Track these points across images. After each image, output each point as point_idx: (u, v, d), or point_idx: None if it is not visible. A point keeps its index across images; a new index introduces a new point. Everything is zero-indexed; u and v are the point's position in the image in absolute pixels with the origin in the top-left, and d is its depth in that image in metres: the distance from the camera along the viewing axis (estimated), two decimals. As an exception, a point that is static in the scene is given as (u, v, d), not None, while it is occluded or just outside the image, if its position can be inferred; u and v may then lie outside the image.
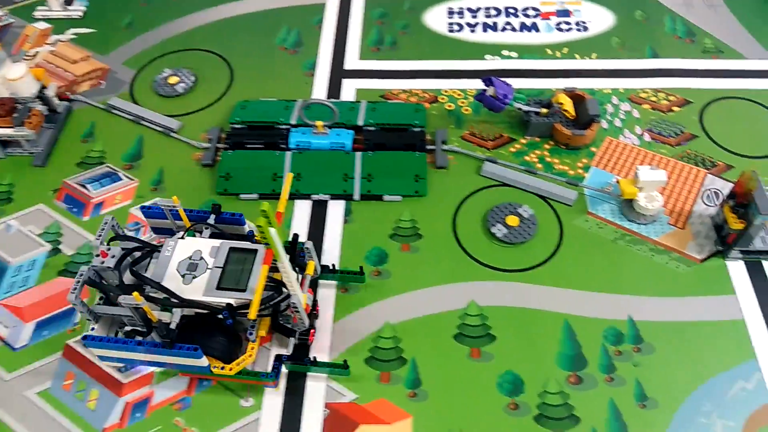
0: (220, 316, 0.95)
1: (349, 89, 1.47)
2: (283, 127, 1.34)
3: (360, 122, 1.34)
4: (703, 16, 1.61)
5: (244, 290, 0.94)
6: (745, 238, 1.12)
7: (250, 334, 0.97)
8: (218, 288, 0.95)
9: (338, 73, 1.50)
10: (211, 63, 1.54)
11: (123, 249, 1.00)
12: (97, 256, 0.98)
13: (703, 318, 1.10)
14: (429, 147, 1.34)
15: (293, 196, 1.27)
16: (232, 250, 0.99)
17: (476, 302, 1.12)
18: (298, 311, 0.98)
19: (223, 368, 0.96)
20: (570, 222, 1.23)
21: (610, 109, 1.40)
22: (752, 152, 1.32)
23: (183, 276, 0.96)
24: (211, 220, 1.04)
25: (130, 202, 1.28)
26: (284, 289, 0.96)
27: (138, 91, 1.49)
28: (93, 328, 0.99)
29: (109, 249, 0.99)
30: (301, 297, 0.97)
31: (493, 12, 1.63)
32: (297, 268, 1.02)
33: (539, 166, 1.31)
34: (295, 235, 1.02)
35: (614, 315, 1.10)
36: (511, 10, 1.63)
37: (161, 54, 1.56)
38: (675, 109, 1.40)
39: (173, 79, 1.48)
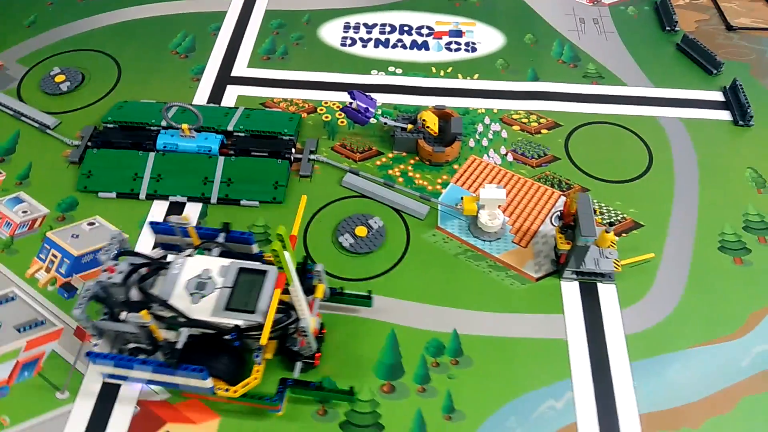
0: (228, 337, 0.94)
1: (231, 95, 1.49)
2: (154, 129, 1.36)
3: (230, 128, 1.36)
4: (594, 42, 1.64)
5: (253, 312, 0.94)
6: (573, 259, 1.14)
7: (257, 356, 0.97)
8: (227, 309, 0.94)
9: (224, 79, 1.53)
10: (102, 64, 1.56)
11: (131, 264, 0.99)
12: (105, 271, 0.98)
13: (527, 335, 1.12)
14: (298, 156, 1.36)
15: (150, 197, 1.29)
16: (241, 270, 0.98)
17: (309, 309, 1.14)
18: (306, 335, 0.97)
19: (227, 390, 0.96)
20: (418, 235, 1.25)
21: (480, 129, 1.43)
22: (611, 176, 1.35)
23: (191, 295, 0.96)
24: (221, 238, 1.04)
25: (-8, 195, 1.30)
26: (292, 312, 0.96)
27: (26, 88, 1.51)
28: (96, 344, 0.99)
29: (116, 264, 0.99)
30: (310, 321, 0.96)
31: (388, 29, 1.66)
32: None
33: (400, 180, 1.33)
34: (305, 257, 1.03)
35: (440, 327, 1.12)
36: (406, 28, 1.66)
37: (56, 53, 1.59)
38: (543, 131, 1.43)
39: (59, 78, 1.51)
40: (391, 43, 1.62)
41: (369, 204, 1.30)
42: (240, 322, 0.94)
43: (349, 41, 1.62)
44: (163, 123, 1.36)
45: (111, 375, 1.00)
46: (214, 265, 0.99)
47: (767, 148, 1.41)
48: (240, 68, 1.56)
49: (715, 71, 1.56)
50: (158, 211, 1.27)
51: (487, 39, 1.64)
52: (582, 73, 1.56)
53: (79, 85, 1.51)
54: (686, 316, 1.14)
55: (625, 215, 1.28)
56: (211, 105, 1.46)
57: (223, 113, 1.40)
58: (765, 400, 1.05)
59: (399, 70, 1.56)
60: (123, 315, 0.97)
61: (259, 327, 0.93)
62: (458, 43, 1.62)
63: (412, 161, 1.37)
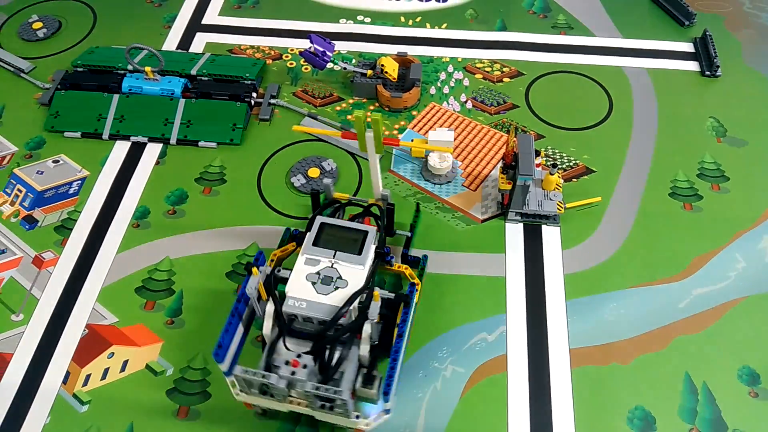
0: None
1: (200, 42, 1.52)
2: (121, 72, 1.40)
3: (194, 72, 1.39)
4: (568, -7, 1.63)
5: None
6: (515, 200, 1.15)
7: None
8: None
9: (194, 27, 1.56)
10: (79, 12, 1.60)
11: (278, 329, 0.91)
12: (287, 364, 0.88)
13: (466, 272, 1.14)
14: (259, 100, 1.39)
15: (113, 137, 1.33)
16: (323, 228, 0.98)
17: (258, 244, 1.18)
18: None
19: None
20: (370, 177, 1.27)
21: (442, 77, 1.44)
22: (568, 124, 1.35)
23: (328, 294, 0.91)
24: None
25: (-35, 134, 1.36)
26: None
27: (4, 35, 1.56)
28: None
29: (299, 357, 0.89)
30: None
31: (361, -22, 1.66)
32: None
33: (358, 124, 1.35)
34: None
35: (382, 264, 1.14)
36: (379, -22, 1.66)
37: (36, 2, 1.63)
38: (506, 80, 1.43)
39: (37, 25, 1.55)
40: (362, -7, 1.63)
41: (325, 147, 1.32)
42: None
43: (321, -9, 1.64)
44: (129, 67, 1.40)
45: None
46: (319, 257, 0.95)
47: (732, 98, 1.40)
48: (211, 16, 1.58)
49: (687, 23, 1.54)
50: (120, 151, 1.31)
51: (459, -11, 1.63)
52: (551, 23, 1.56)
53: (55, 32, 1.55)
54: (628, 258, 1.15)
55: (577, 161, 1.29)
56: (180, 51, 1.49)
57: (189, 58, 1.43)
58: (698, 340, 1.06)
59: (368, 19, 1.57)
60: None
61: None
62: (430, -6, 1.62)
63: (371, 107, 1.39)
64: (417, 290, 1.00)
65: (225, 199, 1.24)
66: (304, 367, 0.88)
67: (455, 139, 1.31)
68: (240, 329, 0.92)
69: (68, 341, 1.06)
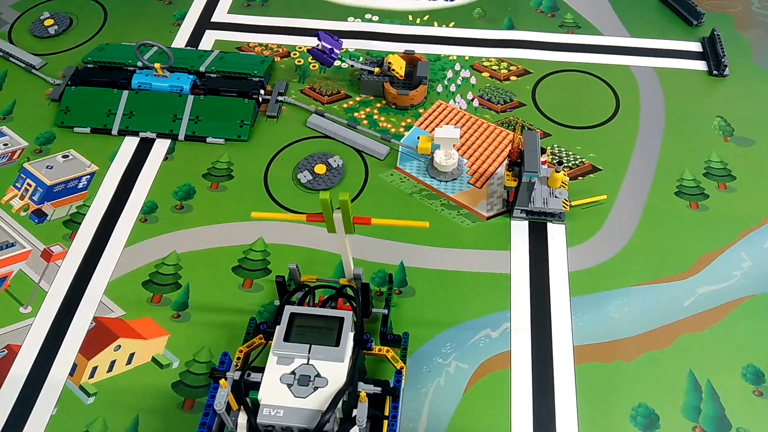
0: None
1: (209, 40, 1.53)
2: (131, 69, 1.41)
3: (202, 68, 1.40)
4: (575, -7, 1.63)
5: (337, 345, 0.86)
6: (521, 197, 1.15)
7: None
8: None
9: (204, 24, 1.57)
10: (90, 9, 1.62)
11: None
12: None
13: (471, 269, 1.14)
14: (267, 97, 1.40)
15: (122, 132, 1.34)
16: (294, 319, 0.88)
17: (264, 239, 1.18)
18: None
19: None
20: (376, 174, 1.28)
21: (449, 75, 1.44)
22: (575, 123, 1.35)
23: (307, 397, 0.81)
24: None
25: (-24, 128, 1.38)
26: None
27: (16, 31, 1.58)
28: None
29: None
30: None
31: (369, -23, 1.67)
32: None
33: (365, 122, 1.36)
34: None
35: (388, 260, 1.15)
36: (387, -23, 1.67)
37: (48, -1, 1.65)
38: (512, 78, 1.43)
39: (48, 22, 1.57)
40: (370, -8, 1.63)
41: (332, 144, 1.33)
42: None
43: (329, -11, 1.64)
44: (139, 63, 1.41)
45: None
46: (292, 354, 0.85)
47: (739, 97, 1.40)
48: (220, 14, 1.59)
49: (695, 22, 1.54)
50: (129, 146, 1.33)
51: (467, -12, 1.64)
52: (559, 22, 1.56)
53: (66, 29, 1.57)
54: (633, 256, 1.15)
55: (583, 159, 1.29)
56: (189, 48, 1.50)
57: (198, 55, 1.44)
58: (703, 338, 1.06)
59: (376, 18, 1.58)
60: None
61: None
62: (437, -8, 1.63)
63: (378, 105, 1.39)
64: (403, 376, 0.92)
65: (232, 194, 1.25)
66: None
67: (461, 137, 1.32)
68: None
69: (75, 334, 1.07)
